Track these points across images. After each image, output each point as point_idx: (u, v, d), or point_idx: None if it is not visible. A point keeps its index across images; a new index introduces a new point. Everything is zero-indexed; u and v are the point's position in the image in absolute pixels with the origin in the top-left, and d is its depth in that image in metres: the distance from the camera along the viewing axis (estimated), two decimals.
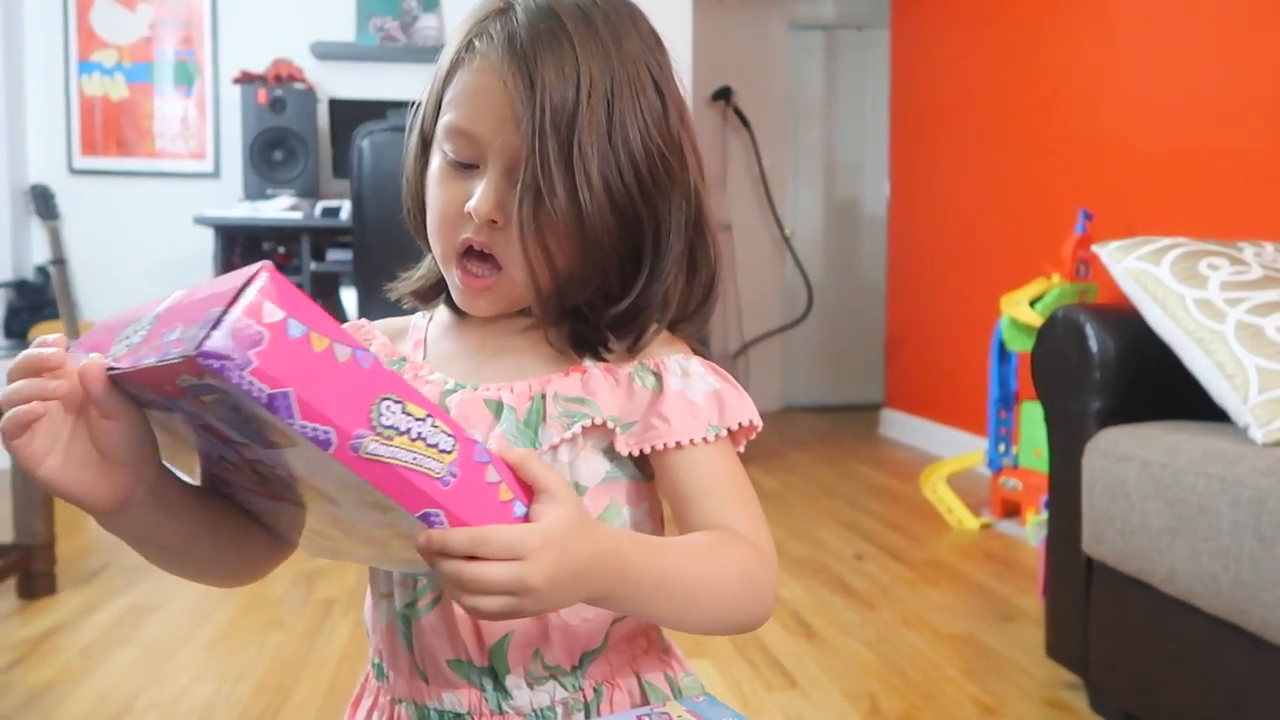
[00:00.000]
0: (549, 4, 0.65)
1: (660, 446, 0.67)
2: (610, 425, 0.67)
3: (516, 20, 0.65)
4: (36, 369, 0.53)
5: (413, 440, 0.50)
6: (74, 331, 3.54)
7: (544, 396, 0.67)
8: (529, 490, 0.55)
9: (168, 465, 0.58)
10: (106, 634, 1.98)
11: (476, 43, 0.66)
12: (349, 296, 3.58)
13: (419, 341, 0.75)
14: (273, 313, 0.45)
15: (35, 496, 2.17)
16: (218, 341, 0.44)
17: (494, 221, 0.65)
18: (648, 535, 0.66)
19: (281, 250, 3.65)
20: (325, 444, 0.47)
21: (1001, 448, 2.94)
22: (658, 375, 0.68)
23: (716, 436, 0.68)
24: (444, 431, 0.51)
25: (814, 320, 5.27)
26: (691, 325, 0.72)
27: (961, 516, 2.85)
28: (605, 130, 0.64)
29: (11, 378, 0.53)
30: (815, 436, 4.42)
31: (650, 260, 0.67)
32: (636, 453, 0.67)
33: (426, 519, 0.51)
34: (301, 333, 0.46)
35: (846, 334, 5.38)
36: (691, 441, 0.67)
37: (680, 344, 0.72)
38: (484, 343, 0.72)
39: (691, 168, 0.69)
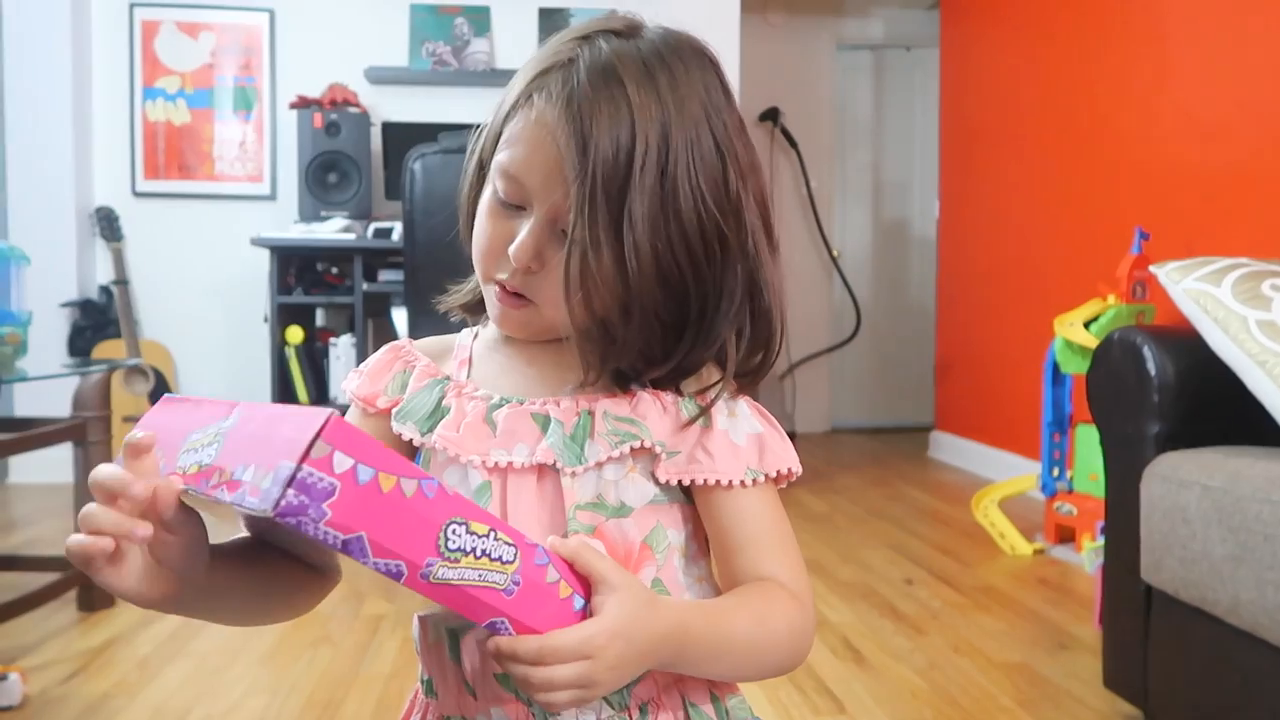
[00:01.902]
0: (613, 60, 0.64)
1: (700, 481, 0.67)
2: (658, 450, 0.67)
3: (578, 77, 0.64)
4: (113, 494, 0.54)
5: (477, 558, 0.53)
6: (135, 349, 3.64)
7: (592, 413, 0.68)
8: (586, 583, 0.58)
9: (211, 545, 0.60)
10: (162, 647, 2.02)
11: (535, 96, 0.66)
12: (399, 316, 3.63)
13: (464, 360, 0.75)
14: (342, 462, 0.48)
15: None
16: (294, 499, 0.47)
17: (530, 269, 0.66)
18: (706, 602, 0.68)
19: (334, 271, 3.72)
20: (397, 576, 0.50)
21: (1055, 472, 2.88)
22: (704, 411, 0.69)
23: (754, 481, 0.68)
24: (506, 542, 0.54)
25: (862, 341, 5.23)
26: (747, 379, 0.71)
27: (1014, 542, 2.80)
28: (658, 199, 0.63)
29: (93, 491, 0.55)
30: (864, 458, 4.37)
31: (695, 327, 0.67)
32: (675, 483, 0.68)
33: (493, 627, 0.55)
34: (370, 476, 0.49)
35: (895, 355, 5.32)
36: (730, 483, 0.67)
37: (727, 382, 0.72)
38: (531, 358, 0.72)
39: (751, 229, 0.67)
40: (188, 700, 1.76)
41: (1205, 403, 1.53)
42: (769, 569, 0.68)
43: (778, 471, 0.69)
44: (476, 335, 0.77)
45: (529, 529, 0.65)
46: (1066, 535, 2.85)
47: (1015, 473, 3.41)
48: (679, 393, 0.69)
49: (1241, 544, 1.29)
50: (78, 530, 0.54)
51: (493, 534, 0.53)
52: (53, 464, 3.04)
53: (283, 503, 0.47)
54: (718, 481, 0.67)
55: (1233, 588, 1.31)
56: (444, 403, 0.71)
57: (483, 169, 0.72)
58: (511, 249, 0.66)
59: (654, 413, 0.68)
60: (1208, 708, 1.42)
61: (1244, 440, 1.50)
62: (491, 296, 0.70)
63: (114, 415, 2.50)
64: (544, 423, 0.68)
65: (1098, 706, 1.73)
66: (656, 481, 0.69)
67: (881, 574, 2.56)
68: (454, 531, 0.51)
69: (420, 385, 0.72)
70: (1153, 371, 1.52)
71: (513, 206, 0.67)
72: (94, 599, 2.23)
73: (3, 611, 1.92)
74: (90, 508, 0.54)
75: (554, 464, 0.67)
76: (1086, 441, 2.73)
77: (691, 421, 0.68)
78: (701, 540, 0.72)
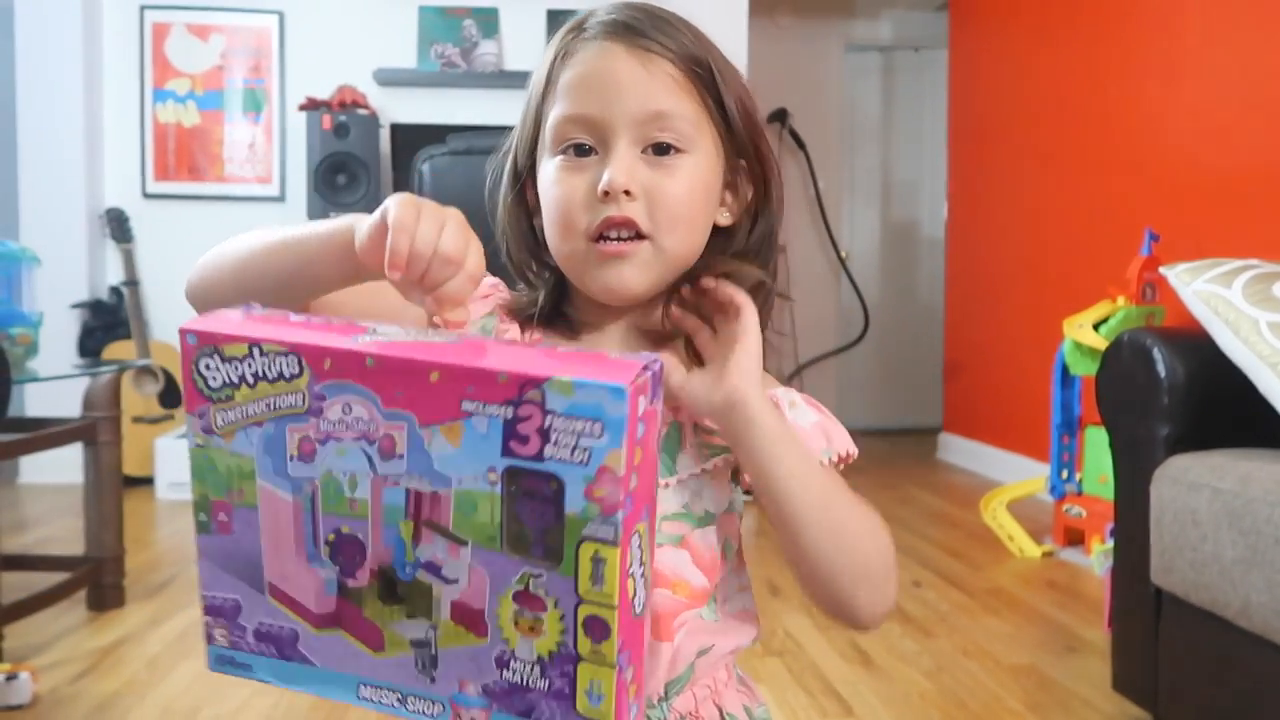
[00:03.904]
0: (626, 6, 0.68)
1: None
2: None
3: (605, 16, 0.68)
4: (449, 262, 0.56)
5: (643, 564, 0.51)
6: (145, 350, 3.66)
7: (681, 424, 0.68)
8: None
9: None
10: (172, 646, 2.03)
11: (573, 47, 0.68)
12: None
13: (535, 341, 0.73)
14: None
15: (107, 510, 2.23)
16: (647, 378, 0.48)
17: (628, 193, 0.65)
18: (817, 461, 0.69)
19: None
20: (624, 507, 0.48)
21: (1064, 474, 2.87)
22: (773, 406, 0.69)
23: (829, 461, 0.70)
24: (651, 568, 0.54)
25: (870, 342, 5.22)
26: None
27: (1023, 544, 2.79)
28: (736, 83, 0.69)
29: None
30: (871, 460, 4.36)
31: (764, 207, 0.72)
32: None
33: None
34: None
35: (903, 356, 5.31)
36: None
37: (771, 378, 0.74)
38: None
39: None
40: (196, 699, 1.77)
41: (1215, 405, 1.52)
42: None
43: (846, 451, 0.71)
44: (539, 309, 0.73)
45: None
46: (1076, 538, 2.84)
47: (1024, 475, 3.40)
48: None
49: (1252, 547, 1.29)
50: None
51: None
52: (63, 464, 3.05)
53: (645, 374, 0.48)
54: None
55: (1243, 591, 1.30)
56: None
57: (518, 178, 0.72)
58: (607, 176, 0.65)
59: None
60: (1218, 711, 1.41)
61: (1254, 443, 1.49)
62: (592, 259, 0.67)
63: (124, 416, 2.51)
64: None
65: (1107, 710, 1.72)
66: (735, 485, 0.70)
67: None
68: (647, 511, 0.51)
69: None
70: (1163, 373, 1.52)
71: (583, 154, 0.67)
72: (104, 599, 2.23)
73: (13, 611, 1.93)
74: (436, 238, 0.55)
75: None
76: (1096, 444, 2.72)
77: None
78: (741, 551, 0.73)
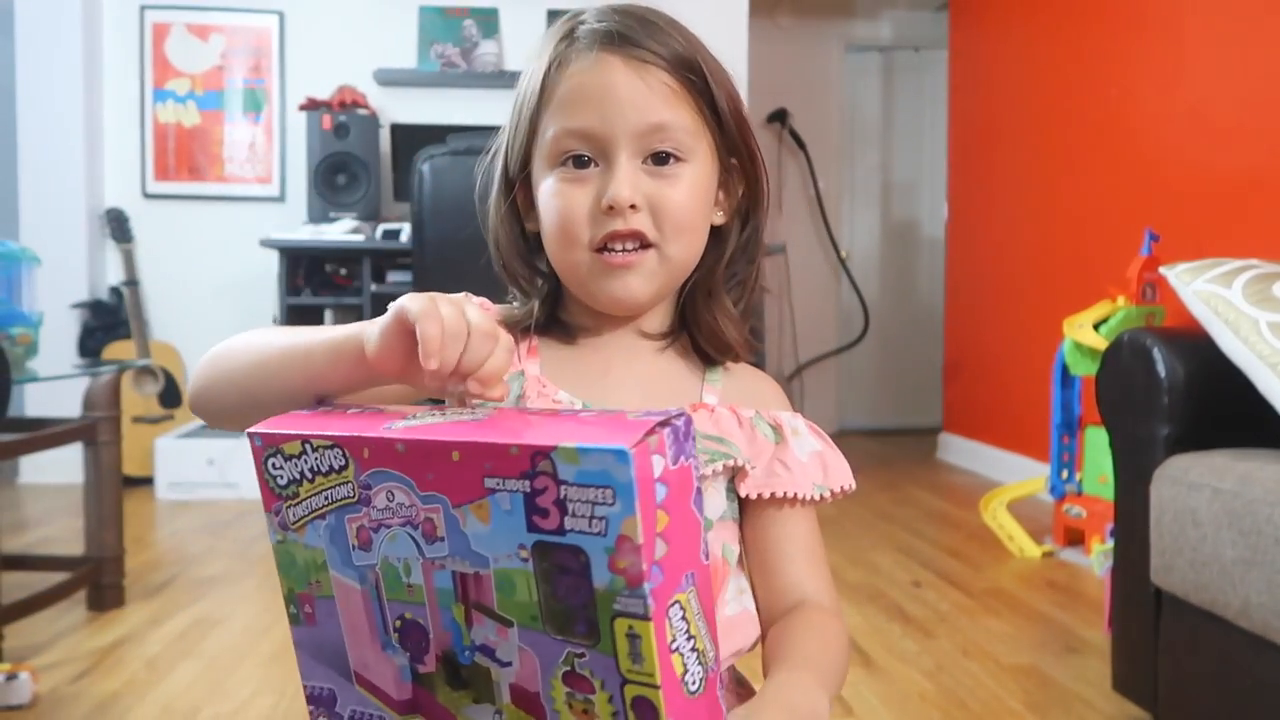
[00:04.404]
0: (617, 10, 0.68)
1: (780, 494, 0.68)
2: (747, 468, 0.69)
3: (596, 24, 0.68)
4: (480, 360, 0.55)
5: (692, 636, 0.47)
6: (145, 350, 3.66)
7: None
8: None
9: None
10: (171, 646, 2.03)
11: (567, 56, 0.68)
12: None
13: (533, 349, 0.73)
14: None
15: (107, 510, 2.23)
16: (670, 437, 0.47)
17: (633, 206, 0.65)
18: (805, 672, 0.63)
19: (343, 272, 3.73)
20: (655, 580, 0.45)
21: (1064, 474, 2.87)
22: (775, 427, 0.70)
23: (821, 497, 0.70)
24: (711, 640, 0.49)
25: (870, 342, 5.22)
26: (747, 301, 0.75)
27: (1023, 544, 2.79)
28: (726, 85, 0.69)
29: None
30: (871, 460, 4.36)
31: (754, 204, 0.73)
32: (755, 495, 0.69)
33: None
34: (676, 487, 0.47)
35: (903, 357, 5.31)
36: (799, 498, 0.69)
37: (782, 395, 0.75)
38: (608, 367, 0.71)
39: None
40: (196, 700, 1.77)
41: (1215, 405, 1.52)
42: (810, 587, 0.70)
43: (840, 487, 0.71)
44: (535, 320, 0.73)
45: None
46: (1076, 538, 2.84)
47: (1024, 475, 3.40)
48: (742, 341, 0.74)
49: (1252, 547, 1.29)
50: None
51: (705, 630, 0.49)
52: (63, 464, 3.05)
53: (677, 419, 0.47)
54: (790, 496, 0.69)
55: (1243, 591, 1.30)
56: (523, 402, 0.69)
57: (510, 186, 0.71)
58: (613, 192, 0.65)
59: (733, 428, 0.69)
60: (1218, 712, 1.41)
61: (1254, 443, 1.49)
62: (598, 270, 0.67)
63: (124, 416, 2.51)
64: None
65: (1107, 710, 1.72)
66: (730, 496, 0.70)
67: (889, 576, 2.56)
68: (689, 597, 0.47)
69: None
70: (1162, 373, 1.52)
71: (582, 166, 0.67)
72: (104, 599, 2.23)
73: (13, 611, 1.93)
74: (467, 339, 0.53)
75: None
76: (1096, 444, 2.72)
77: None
78: (740, 557, 0.73)
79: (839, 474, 0.71)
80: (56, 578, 2.11)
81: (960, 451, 4.26)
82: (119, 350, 3.67)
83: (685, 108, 0.67)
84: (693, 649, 0.47)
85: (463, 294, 0.58)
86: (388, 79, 3.94)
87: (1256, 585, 1.28)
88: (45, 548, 2.73)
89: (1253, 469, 1.35)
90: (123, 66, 3.93)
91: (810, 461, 0.70)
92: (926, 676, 1.88)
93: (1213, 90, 2.74)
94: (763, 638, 0.70)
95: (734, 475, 0.70)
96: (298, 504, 0.53)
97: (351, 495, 0.51)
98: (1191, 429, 1.51)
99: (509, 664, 0.49)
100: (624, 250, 0.66)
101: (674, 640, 0.46)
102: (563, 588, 0.46)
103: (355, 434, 0.51)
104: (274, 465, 0.53)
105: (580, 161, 0.67)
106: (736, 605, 0.71)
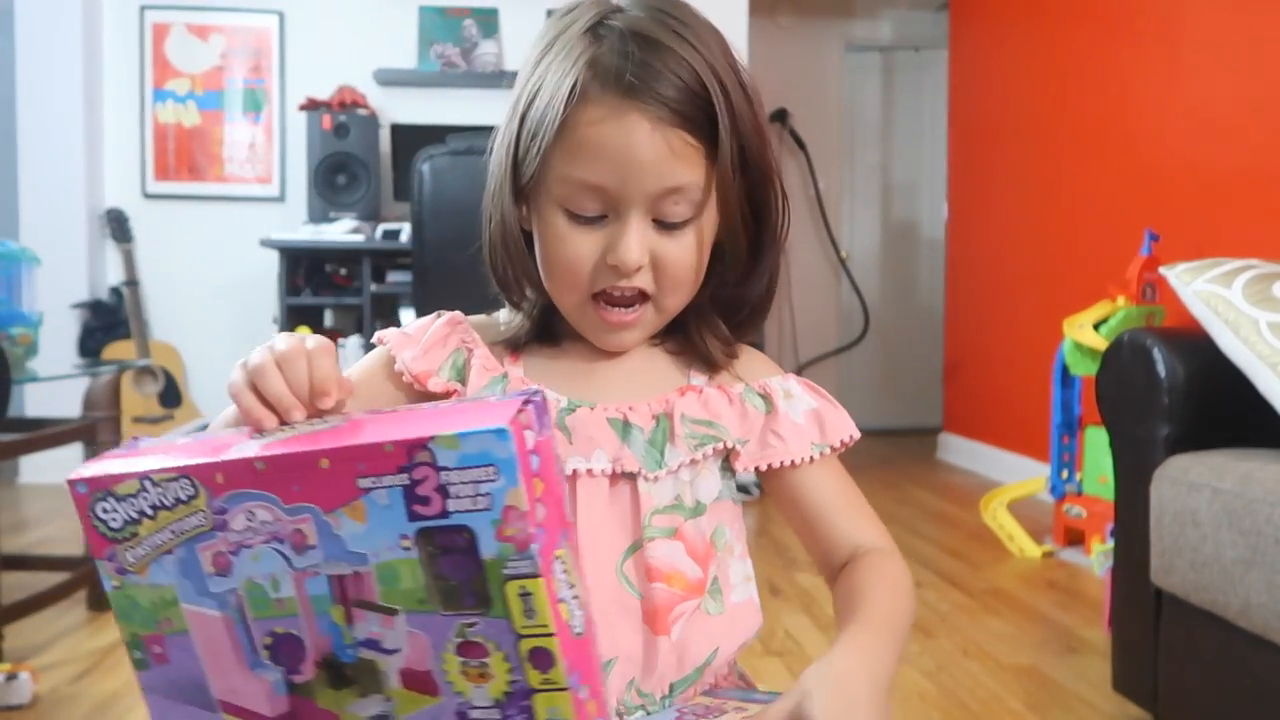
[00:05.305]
0: (644, 27, 0.63)
1: (777, 464, 0.69)
2: (738, 448, 0.69)
3: (618, 60, 0.62)
4: (319, 393, 0.57)
5: (572, 585, 0.52)
6: (144, 350, 3.66)
7: (669, 416, 0.68)
8: None
9: None
10: None
11: (590, 89, 0.63)
12: (407, 317, 3.64)
13: (516, 353, 0.73)
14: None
15: None
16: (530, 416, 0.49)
17: (641, 265, 0.65)
18: (877, 627, 0.63)
19: (343, 272, 3.73)
20: (525, 542, 0.48)
21: (1064, 474, 2.87)
22: (765, 397, 0.70)
23: (821, 455, 0.70)
24: (584, 585, 0.53)
25: (870, 343, 5.22)
26: (753, 321, 0.74)
27: (1023, 544, 2.79)
28: (748, 111, 0.66)
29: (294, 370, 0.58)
30: (871, 460, 4.36)
31: (768, 245, 0.71)
32: (751, 470, 0.69)
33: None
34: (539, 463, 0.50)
35: (903, 357, 5.31)
36: (801, 460, 0.69)
37: (772, 364, 0.74)
38: (593, 363, 0.71)
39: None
40: None
41: (1215, 405, 1.52)
42: (861, 535, 0.71)
43: (840, 441, 0.71)
44: (521, 326, 0.73)
45: (600, 536, 0.66)
46: (1076, 538, 2.84)
47: (1024, 475, 3.40)
48: (729, 351, 0.72)
49: (1253, 547, 1.29)
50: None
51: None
52: (63, 464, 3.04)
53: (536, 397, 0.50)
54: (793, 462, 0.69)
55: (1244, 591, 1.30)
56: None
57: (518, 186, 0.68)
58: (622, 255, 0.64)
59: (724, 408, 0.69)
60: (1218, 712, 1.41)
61: (1255, 443, 1.49)
62: (592, 315, 0.67)
63: (124, 416, 2.51)
64: (622, 428, 0.67)
65: (1107, 710, 1.72)
66: (726, 474, 0.70)
67: None
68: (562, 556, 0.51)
69: (483, 382, 0.70)
70: (1162, 373, 1.52)
71: (592, 216, 0.65)
72: (104, 599, 2.23)
73: (13, 611, 1.93)
74: (274, 381, 0.56)
75: (637, 470, 0.67)
76: (1096, 444, 2.72)
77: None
78: (742, 538, 0.73)
79: (837, 428, 0.71)
80: (56, 578, 2.11)
81: (960, 451, 4.26)
82: (119, 350, 3.67)
83: (702, 164, 0.65)
84: (574, 596, 0.51)
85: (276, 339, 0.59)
86: (388, 79, 3.94)
87: (1256, 585, 1.28)
88: (45, 548, 2.73)
89: (1253, 469, 1.35)
90: (123, 66, 3.93)
91: (806, 422, 0.70)
92: (926, 676, 1.88)
93: (1212, 90, 2.74)
94: (835, 594, 0.70)
95: (727, 456, 0.70)
96: (137, 545, 0.53)
97: (204, 523, 0.52)
98: (1191, 429, 1.51)
99: (396, 650, 0.52)
100: (622, 305, 0.67)
101: (559, 590, 0.50)
102: (449, 566, 0.49)
103: (204, 460, 0.52)
104: (103, 510, 0.53)
105: (587, 216, 0.66)
106: (743, 592, 0.71)
